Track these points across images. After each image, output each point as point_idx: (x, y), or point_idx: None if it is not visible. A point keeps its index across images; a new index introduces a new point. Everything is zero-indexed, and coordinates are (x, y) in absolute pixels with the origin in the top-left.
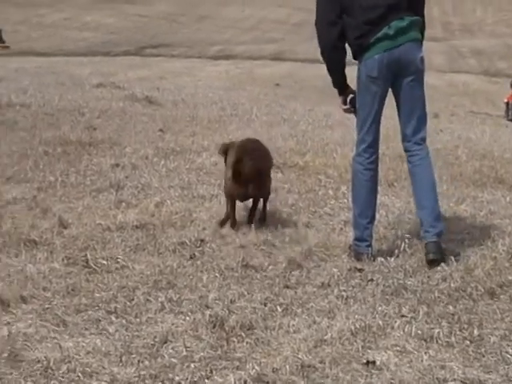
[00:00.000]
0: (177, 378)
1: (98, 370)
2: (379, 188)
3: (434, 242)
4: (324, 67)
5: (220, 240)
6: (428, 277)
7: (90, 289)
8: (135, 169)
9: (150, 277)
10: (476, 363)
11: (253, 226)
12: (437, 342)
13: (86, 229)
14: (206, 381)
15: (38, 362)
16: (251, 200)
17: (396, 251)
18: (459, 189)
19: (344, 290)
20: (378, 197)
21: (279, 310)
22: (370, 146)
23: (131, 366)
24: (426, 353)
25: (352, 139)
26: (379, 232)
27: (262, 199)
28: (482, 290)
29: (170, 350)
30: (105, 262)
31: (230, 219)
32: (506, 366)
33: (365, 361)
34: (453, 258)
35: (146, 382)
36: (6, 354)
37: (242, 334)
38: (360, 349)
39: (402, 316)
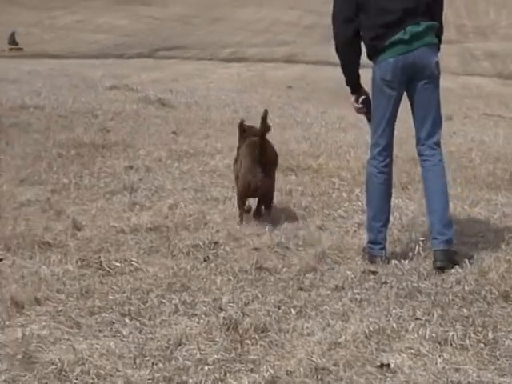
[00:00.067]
0: (191, 381)
1: (111, 372)
2: (393, 190)
3: (441, 250)
4: (336, 69)
5: (234, 242)
6: (442, 279)
7: (103, 291)
8: (149, 171)
9: (164, 279)
10: (490, 366)
11: (267, 228)
12: (451, 344)
13: (100, 231)
14: (220, 383)
15: (52, 364)
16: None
17: (410, 254)
18: (473, 191)
19: (358, 293)
20: (392, 199)
21: (293, 312)
22: (384, 149)
23: (145, 369)
24: (440, 356)
25: (365, 142)
26: (393, 234)
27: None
28: (497, 292)
29: (184, 353)
30: (118, 264)
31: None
32: None
33: (379, 364)
34: (467, 260)
35: None
36: (19, 356)
37: (256, 336)
38: (374, 351)
39: (416, 319)
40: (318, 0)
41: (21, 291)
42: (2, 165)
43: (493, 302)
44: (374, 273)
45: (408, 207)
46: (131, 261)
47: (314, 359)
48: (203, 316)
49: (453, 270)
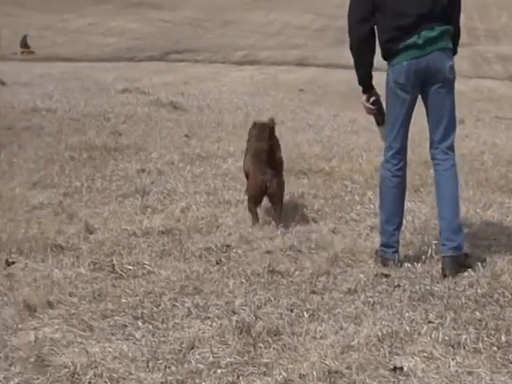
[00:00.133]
0: None
1: (124, 375)
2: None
3: (449, 256)
4: (347, 72)
5: (246, 245)
6: (455, 283)
7: (116, 294)
8: (161, 174)
9: (177, 282)
10: (503, 369)
11: (279, 231)
12: (464, 348)
13: (112, 234)
14: None
15: (65, 367)
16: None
17: (423, 257)
18: (485, 194)
19: (371, 296)
20: (405, 202)
21: (306, 315)
22: (397, 152)
23: (158, 372)
24: (453, 359)
25: (377, 145)
26: (406, 237)
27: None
28: (509, 295)
29: (197, 356)
30: (131, 268)
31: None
32: None
33: (392, 367)
34: (479, 263)
35: None
36: (32, 359)
37: (269, 339)
38: (387, 355)
39: (429, 322)
40: (329, 3)
41: (33, 294)
42: (14, 168)
43: (506, 305)
44: (386, 276)
45: (421, 210)
46: (144, 264)
47: (326, 362)
48: (216, 319)
49: (465, 273)
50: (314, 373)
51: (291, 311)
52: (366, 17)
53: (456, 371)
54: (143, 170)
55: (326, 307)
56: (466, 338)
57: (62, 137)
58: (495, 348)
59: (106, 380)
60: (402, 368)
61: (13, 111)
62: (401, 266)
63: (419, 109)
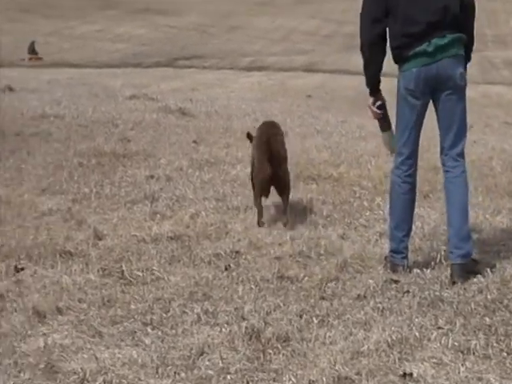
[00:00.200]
0: None
1: (134, 381)
2: None
3: (457, 264)
4: (355, 78)
5: (255, 251)
6: (464, 288)
7: (125, 300)
8: (170, 180)
9: (186, 288)
10: None
11: (288, 236)
12: (474, 353)
13: (121, 240)
14: None
15: (75, 373)
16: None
17: (432, 263)
18: (494, 200)
19: (380, 302)
20: (414, 209)
21: (315, 321)
22: (407, 158)
23: (167, 378)
24: (462, 365)
25: (386, 151)
26: (415, 243)
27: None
28: None
29: (207, 362)
30: (140, 274)
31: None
32: None
33: (402, 373)
34: (489, 269)
35: None
36: (42, 366)
37: (279, 345)
38: (397, 360)
39: (439, 328)
40: (335, 9)
41: (42, 301)
42: (23, 174)
43: None
44: (396, 282)
45: (430, 216)
46: (153, 270)
47: (336, 368)
48: (225, 325)
49: (475, 279)
50: (324, 379)
51: (300, 317)
52: (378, 18)
53: (466, 377)
54: (152, 176)
55: (336, 313)
56: (475, 344)
57: (70, 143)
58: (505, 354)
59: None
60: (411, 374)
61: (21, 117)
62: (410, 271)
63: (427, 114)
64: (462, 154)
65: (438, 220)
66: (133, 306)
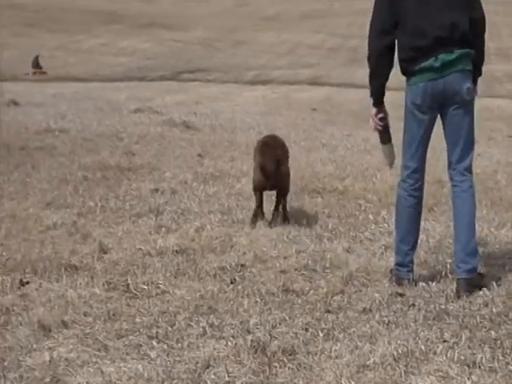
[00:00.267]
0: None
1: None
2: None
3: (463, 279)
4: (360, 91)
5: (260, 265)
6: (470, 302)
7: (130, 314)
8: (175, 194)
9: (191, 302)
10: None
11: (294, 249)
12: (479, 367)
13: (127, 254)
14: None
15: None
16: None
17: (437, 276)
18: (499, 213)
19: (386, 315)
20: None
21: (321, 334)
22: (414, 171)
23: None
24: (468, 378)
25: (384, 163)
26: (420, 256)
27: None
28: None
29: (212, 376)
30: (145, 287)
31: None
32: None
33: None
34: (494, 282)
35: None
36: (47, 380)
37: (284, 359)
38: (402, 374)
39: (444, 341)
40: (339, 23)
41: (48, 314)
42: (28, 188)
43: None
44: (401, 295)
45: (435, 229)
46: (158, 283)
47: (342, 382)
48: (231, 338)
49: (480, 292)
50: None
51: (306, 330)
52: (385, 29)
53: None
54: (157, 190)
55: (341, 326)
56: (481, 358)
57: (75, 157)
58: (511, 367)
59: None
60: None
61: (26, 131)
62: (415, 285)
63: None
64: (469, 169)
65: (443, 233)
66: (138, 320)
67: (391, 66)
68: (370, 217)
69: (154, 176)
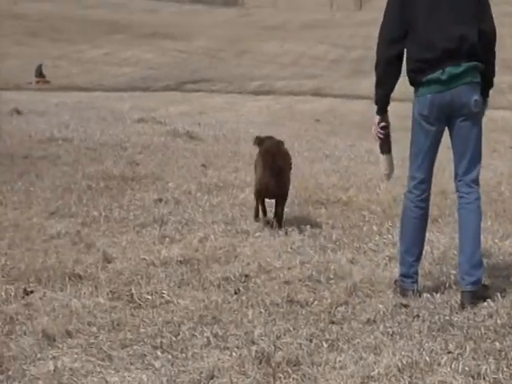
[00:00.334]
0: None
1: None
2: None
3: (468, 291)
4: (363, 102)
5: (264, 275)
6: (474, 313)
7: (135, 324)
8: (178, 204)
9: (195, 312)
10: None
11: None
12: (484, 378)
13: (131, 263)
14: None
15: None
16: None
17: (441, 287)
18: (503, 225)
19: (390, 327)
20: (425, 234)
21: (325, 345)
22: (420, 182)
23: None
24: None
25: (395, 175)
26: (424, 268)
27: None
28: None
29: None
30: (149, 297)
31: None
32: None
33: None
34: (499, 294)
35: None
36: None
37: (289, 369)
38: None
39: (449, 352)
40: (342, 34)
41: (52, 324)
42: (31, 197)
43: None
44: (405, 306)
45: (439, 240)
46: (162, 293)
47: None
48: (235, 349)
49: (485, 304)
50: None
51: (310, 341)
52: (395, 38)
53: None
54: (160, 200)
55: (346, 337)
56: (486, 369)
57: (78, 166)
58: None
59: None
60: None
61: (29, 140)
62: (420, 296)
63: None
64: (476, 181)
65: (448, 244)
66: (142, 330)
67: (398, 75)
68: (374, 228)
69: (157, 186)
